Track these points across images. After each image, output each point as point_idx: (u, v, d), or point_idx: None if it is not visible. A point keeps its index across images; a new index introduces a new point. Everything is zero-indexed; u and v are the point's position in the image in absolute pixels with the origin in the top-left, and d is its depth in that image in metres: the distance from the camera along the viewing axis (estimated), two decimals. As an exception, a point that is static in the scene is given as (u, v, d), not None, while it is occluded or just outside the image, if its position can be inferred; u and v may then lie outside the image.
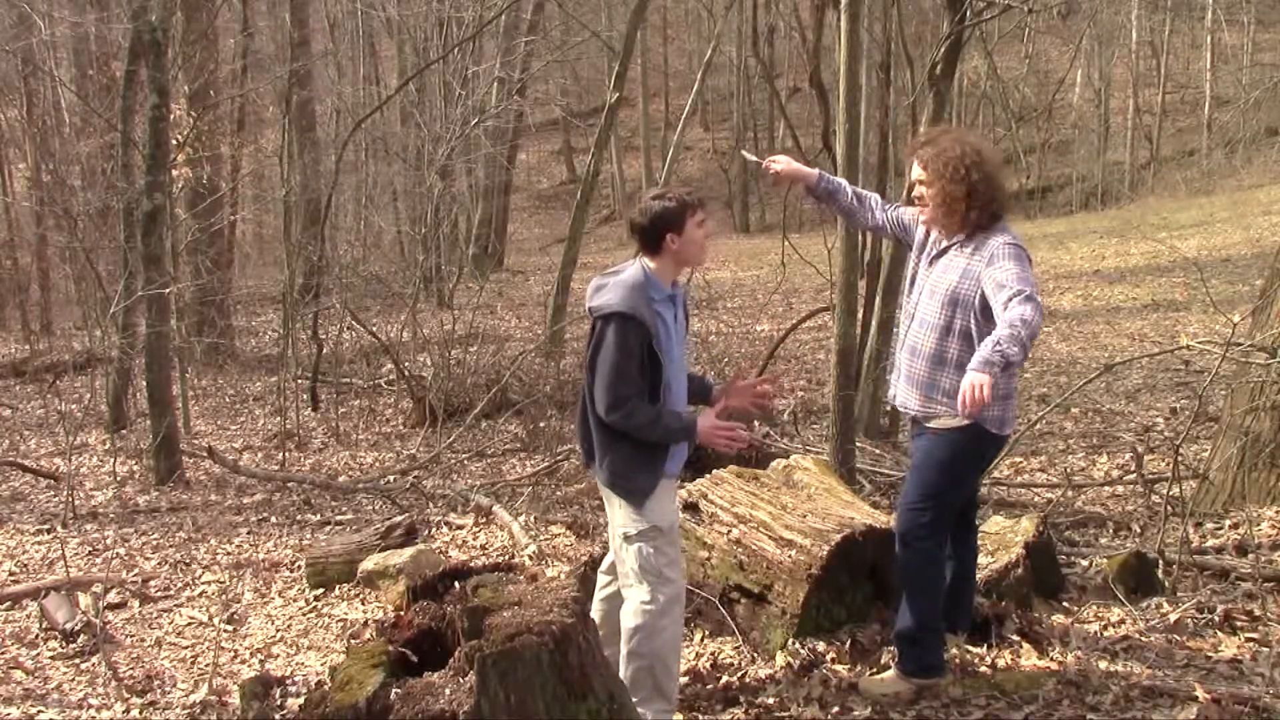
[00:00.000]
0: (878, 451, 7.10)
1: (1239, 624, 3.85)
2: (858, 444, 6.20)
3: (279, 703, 3.85)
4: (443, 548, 5.89)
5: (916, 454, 3.48)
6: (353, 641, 4.52)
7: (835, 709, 3.41)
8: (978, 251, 3.30)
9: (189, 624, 5.19)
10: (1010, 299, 3.06)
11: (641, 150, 32.83)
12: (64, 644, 4.89)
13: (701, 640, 4.07)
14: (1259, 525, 4.76)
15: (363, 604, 5.21)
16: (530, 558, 5.42)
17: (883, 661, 3.67)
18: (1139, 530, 5.10)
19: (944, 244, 3.44)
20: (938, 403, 3.37)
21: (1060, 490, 5.89)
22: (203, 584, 5.75)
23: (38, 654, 4.86)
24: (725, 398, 3.50)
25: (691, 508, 4.31)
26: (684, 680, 3.70)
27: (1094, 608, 4.08)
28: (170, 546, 6.41)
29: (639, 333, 3.14)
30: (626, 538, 3.27)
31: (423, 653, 3.02)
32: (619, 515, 3.29)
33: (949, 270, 3.36)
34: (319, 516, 6.94)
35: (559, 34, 21.36)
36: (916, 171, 3.44)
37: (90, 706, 4.26)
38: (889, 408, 7.21)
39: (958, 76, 19.19)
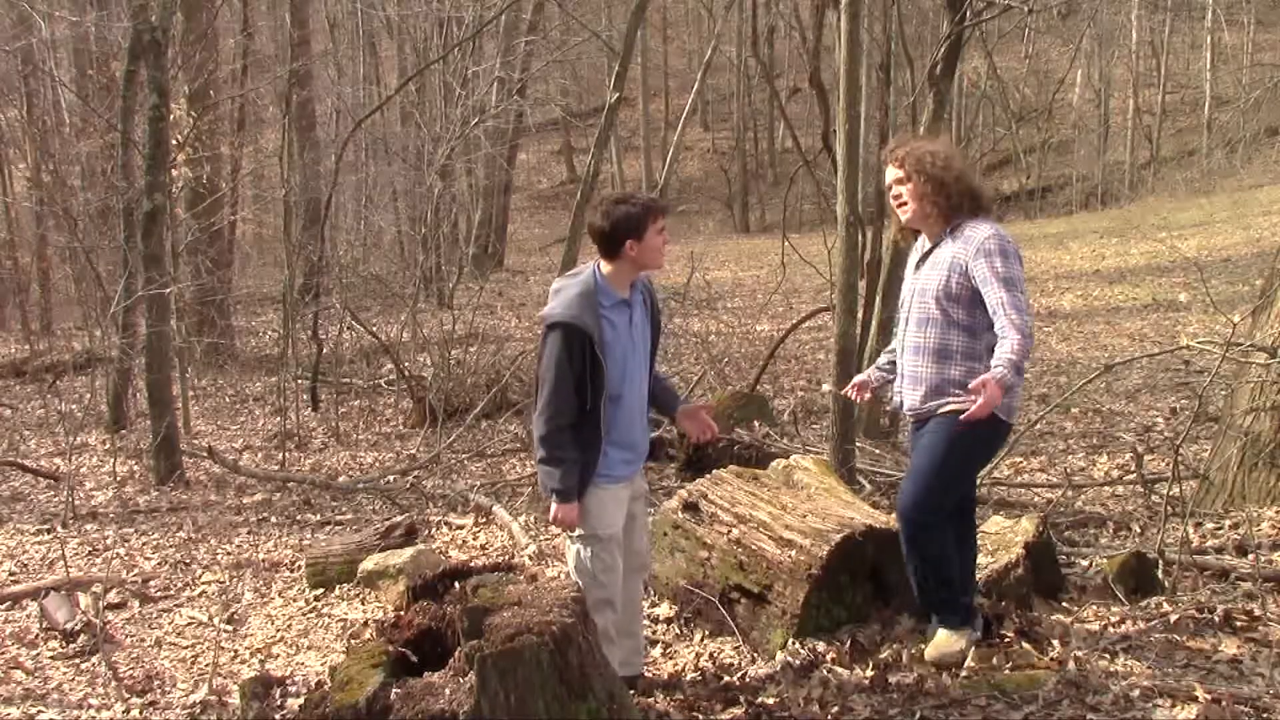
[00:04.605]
0: (878, 451, 7.10)
1: (1239, 624, 3.84)
2: (858, 444, 6.20)
3: (279, 703, 3.84)
4: (443, 548, 5.89)
5: (924, 438, 3.52)
6: (353, 641, 4.51)
7: (835, 709, 3.41)
8: (962, 244, 3.38)
9: (189, 624, 5.19)
10: (1000, 328, 3.25)
11: (641, 150, 32.82)
12: (64, 644, 4.89)
13: (701, 640, 4.07)
14: (1259, 525, 4.76)
15: (363, 604, 5.21)
16: (530, 558, 5.42)
17: (882, 656, 3.67)
18: (1139, 530, 5.10)
19: (928, 246, 3.53)
20: (948, 394, 3.43)
21: (1060, 490, 5.89)
22: (203, 584, 5.74)
23: (38, 654, 4.86)
24: (681, 418, 3.61)
25: (691, 508, 4.31)
26: (683, 680, 3.70)
27: (1094, 608, 4.07)
28: (170, 546, 6.41)
29: (580, 340, 3.16)
30: (569, 536, 3.38)
31: (423, 653, 3.02)
32: None
33: (936, 267, 3.45)
34: (319, 516, 6.93)
35: (559, 34, 21.34)
36: (892, 173, 3.52)
37: (90, 706, 4.26)
38: (889, 408, 7.23)
39: (958, 76, 19.21)
